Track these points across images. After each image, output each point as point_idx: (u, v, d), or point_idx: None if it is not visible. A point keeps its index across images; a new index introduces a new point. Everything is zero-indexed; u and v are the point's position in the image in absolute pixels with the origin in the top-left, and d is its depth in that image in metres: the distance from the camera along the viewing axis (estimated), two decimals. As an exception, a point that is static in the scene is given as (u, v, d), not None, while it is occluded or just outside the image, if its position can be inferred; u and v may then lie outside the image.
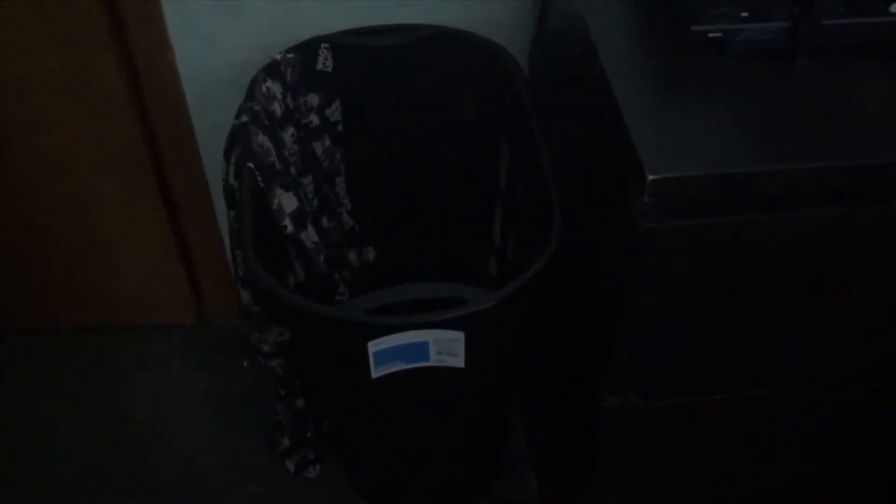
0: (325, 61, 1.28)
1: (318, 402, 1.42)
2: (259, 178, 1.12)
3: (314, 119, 1.31)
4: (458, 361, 1.05)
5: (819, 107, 0.81)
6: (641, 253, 0.80)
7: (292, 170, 1.26)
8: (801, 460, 1.11)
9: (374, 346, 1.01)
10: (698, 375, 0.95)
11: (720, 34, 0.84)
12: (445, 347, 1.03)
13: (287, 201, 1.18)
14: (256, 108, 1.16)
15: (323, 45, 1.27)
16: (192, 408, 1.62)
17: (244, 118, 1.14)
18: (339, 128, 1.35)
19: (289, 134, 1.26)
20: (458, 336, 1.01)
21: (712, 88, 0.84)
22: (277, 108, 1.23)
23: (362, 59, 1.29)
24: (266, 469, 1.51)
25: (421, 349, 1.03)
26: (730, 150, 0.77)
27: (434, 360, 1.05)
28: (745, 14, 0.83)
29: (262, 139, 1.15)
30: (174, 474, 1.51)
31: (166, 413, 1.61)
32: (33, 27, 1.29)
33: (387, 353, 1.02)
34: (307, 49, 1.26)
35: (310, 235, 1.24)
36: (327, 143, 1.35)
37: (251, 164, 1.11)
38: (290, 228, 1.18)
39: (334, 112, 1.33)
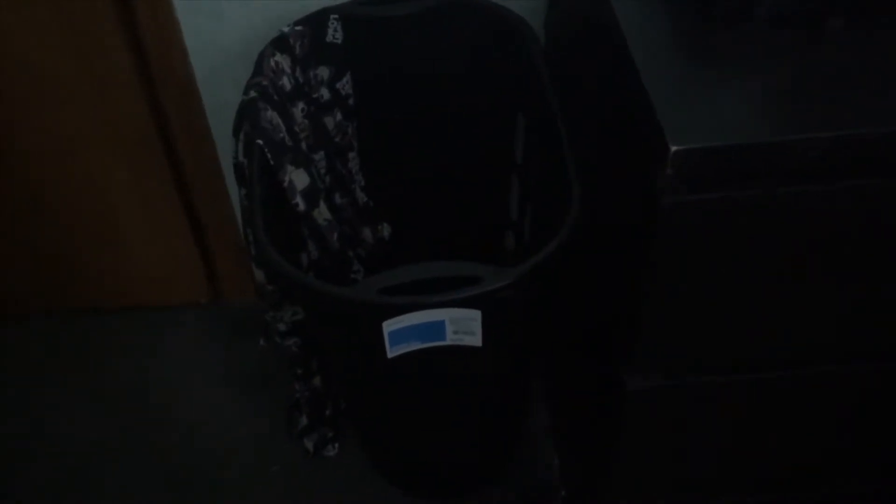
0: (334, 33, 1.25)
1: (334, 382, 1.41)
2: (269, 156, 1.09)
3: (324, 93, 1.29)
4: (476, 340, 1.02)
5: (851, 74, 0.77)
6: (664, 228, 0.77)
7: (303, 146, 1.23)
8: (831, 442, 1.08)
9: (388, 326, 0.98)
10: (723, 355, 0.93)
11: (745, -3, 0.81)
12: (462, 326, 1.00)
13: (298, 178, 1.15)
14: (265, 83, 1.14)
15: (332, 16, 1.24)
16: (209, 387, 1.62)
17: (252, 94, 1.11)
18: (351, 101, 1.32)
19: (299, 109, 1.23)
20: (475, 315, 0.98)
21: (737, 56, 0.80)
22: (286, 82, 1.20)
23: (373, 30, 1.26)
24: (285, 448, 1.50)
25: (437, 328, 1.00)
26: (756, 120, 0.73)
27: (451, 340, 1.02)
28: (772, -25, 0.79)
29: (271, 115, 1.13)
30: (193, 454, 1.51)
31: (184, 393, 1.61)
32: (38, 7, 1.27)
33: (402, 332, 1.00)
34: (316, 21, 1.23)
35: (322, 213, 1.22)
36: (339, 117, 1.32)
37: (260, 141, 1.08)
38: (301, 206, 1.16)
39: (345, 85, 1.30)
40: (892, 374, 0.97)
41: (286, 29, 1.21)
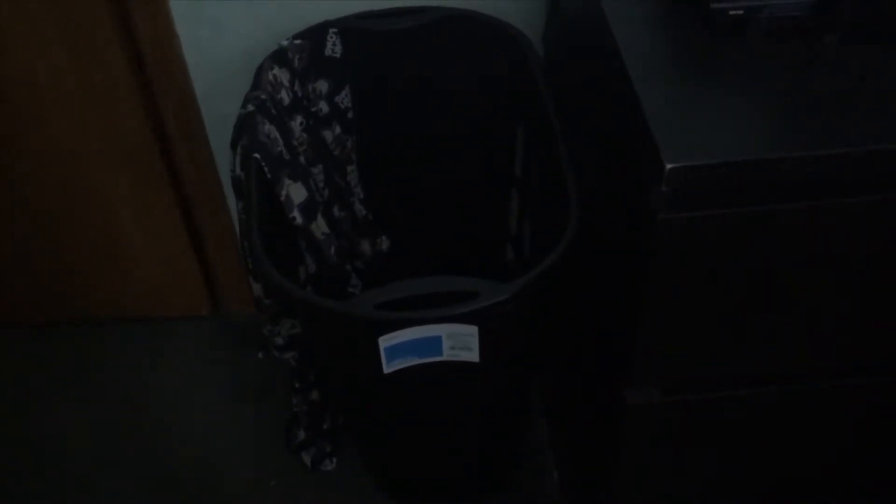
0: (333, 47, 1.25)
1: (332, 396, 1.40)
2: (266, 169, 1.09)
3: (323, 106, 1.28)
4: (473, 356, 1.02)
5: (848, 89, 0.77)
6: (660, 244, 0.77)
7: (301, 159, 1.23)
8: (829, 457, 1.07)
9: (385, 342, 0.98)
10: (721, 370, 0.92)
11: (742, 11, 0.81)
12: (459, 342, 1.00)
13: (295, 192, 1.15)
14: (263, 96, 1.13)
15: (331, 30, 1.24)
16: (208, 400, 1.61)
17: (250, 107, 1.11)
18: (350, 115, 1.32)
19: (297, 122, 1.23)
20: (472, 330, 0.98)
21: (734, 70, 0.80)
22: (285, 96, 1.20)
23: (372, 43, 1.26)
24: (283, 462, 1.49)
25: (434, 343, 1.00)
26: (753, 137, 0.73)
27: (448, 355, 1.02)
28: (768, -11, 0.79)
29: (269, 129, 1.12)
30: (191, 467, 1.51)
31: (183, 405, 1.60)
32: (38, 18, 1.27)
33: (399, 348, 1.00)
34: (315, 35, 1.23)
35: (320, 226, 1.22)
36: (337, 130, 1.32)
37: (257, 155, 1.08)
38: (299, 220, 1.16)
39: (344, 99, 1.30)
40: (890, 389, 0.97)
41: (285, 42, 1.21)
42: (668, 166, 0.69)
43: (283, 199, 1.13)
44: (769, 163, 0.71)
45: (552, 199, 1.10)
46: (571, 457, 1.38)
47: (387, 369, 1.03)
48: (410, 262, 1.42)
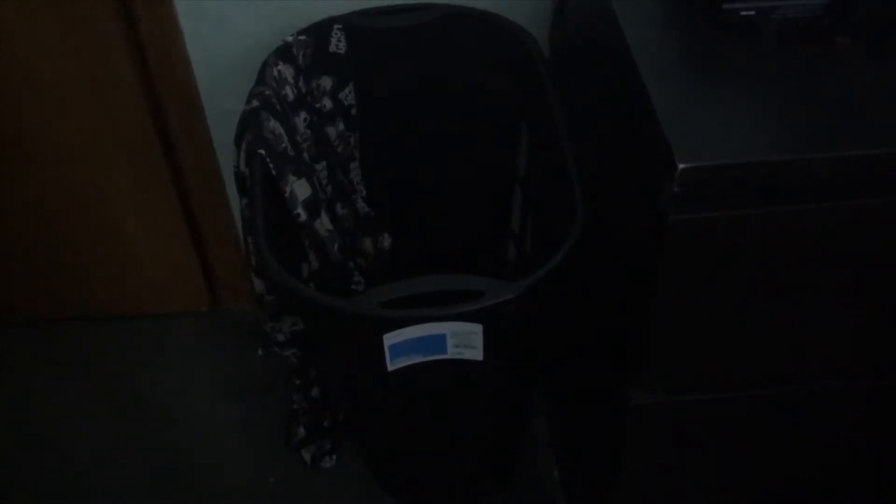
0: (338, 43, 1.24)
1: (333, 394, 1.40)
2: (271, 166, 1.09)
3: (327, 103, 1.28)
4: (477, 354, 1.01)
5: (860, 90, 0.77)
6: (670, 245, 0.76)
7: (305, 156, 1.22)
8: (834, 458, 1.07)
9: (389, 340, 0.98)
10: (729, 371, 0.92)
11: (753, 12, 0.80)
12: (463, 340, 0.99)
13: (300, 189, 1.15)
14: (267, 92, 1.13)
15: (336, 26, 1.23)
16: (208, 396, 1.61)
17: (255, 103, 1.11)
18: (353, 111, 1.32)
19: (301, 119, 1.23)
20: (476, 329, 0.97)
21: (745, 71, 0.80)
22: (289, 92, 1.19)
23: (376, 40, 1.25)
24: (283, 459, 1.49)
25: (438, 342, 1.00)
26: (764, 137, 0.73)
27: (452, 353, 1.01)
28: (780, -10, 0.79)
29: (274, 125, 1.12)
30: (190, 464, 1.50)
31: (182, 401, 1.60)
32: (40, 14, 1.26)
33: (403, 346, 0.99)
34: (319, 31, 1.23)
35: (324, 223, 1.21)
36: (341, 127, 1.32)
37: (262, 151, 1.08)
38: (303, 217, 1.15)
39: (348, 95, 1.30)
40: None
41: (290, 38, 1.20)
42: (681, 166, 0.69)
43: (287, 195, 1.12)
44: (781, 164, 0.71)
45: (556, 198, 1.10)
46: (572, 456, 1.38)
47: (390, 367, 1.02)
48: (412, 260, 1.41)
